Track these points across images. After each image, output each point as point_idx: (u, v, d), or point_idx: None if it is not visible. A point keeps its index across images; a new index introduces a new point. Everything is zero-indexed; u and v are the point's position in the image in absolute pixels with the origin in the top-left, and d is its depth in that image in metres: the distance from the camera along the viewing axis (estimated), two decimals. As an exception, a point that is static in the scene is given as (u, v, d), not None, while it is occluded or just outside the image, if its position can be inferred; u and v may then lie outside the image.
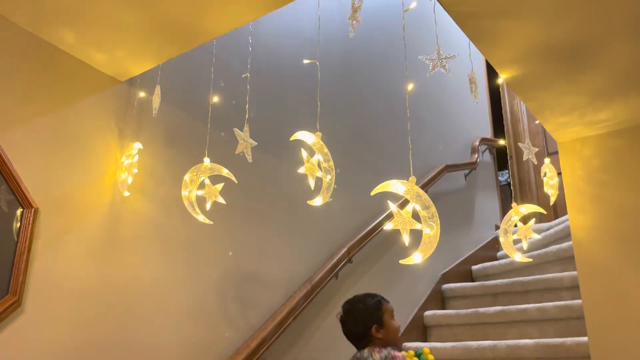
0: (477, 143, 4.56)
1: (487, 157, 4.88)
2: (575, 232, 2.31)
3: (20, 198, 1.59)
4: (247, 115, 1.66)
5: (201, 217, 1.68)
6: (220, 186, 1.67)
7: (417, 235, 1.31)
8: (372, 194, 1.24)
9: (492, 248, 4.52)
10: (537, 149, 2.12)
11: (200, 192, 1.66)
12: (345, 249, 2.89)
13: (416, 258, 1.25)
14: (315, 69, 3.03)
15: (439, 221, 1.26)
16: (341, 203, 3.04)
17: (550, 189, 2.27)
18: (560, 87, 1.99)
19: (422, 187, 3.70)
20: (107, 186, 1.86)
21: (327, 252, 2.88)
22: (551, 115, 2.21)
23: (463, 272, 4.09)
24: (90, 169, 1.83)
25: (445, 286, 3.80)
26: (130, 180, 1.85)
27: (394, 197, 1.35)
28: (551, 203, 2.31)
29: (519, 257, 1.86)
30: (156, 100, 1.85)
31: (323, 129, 2.88)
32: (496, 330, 3.24)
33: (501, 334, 3.20)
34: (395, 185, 1.26)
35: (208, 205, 1.66)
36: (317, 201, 1.50)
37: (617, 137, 2.30)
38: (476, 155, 4.45)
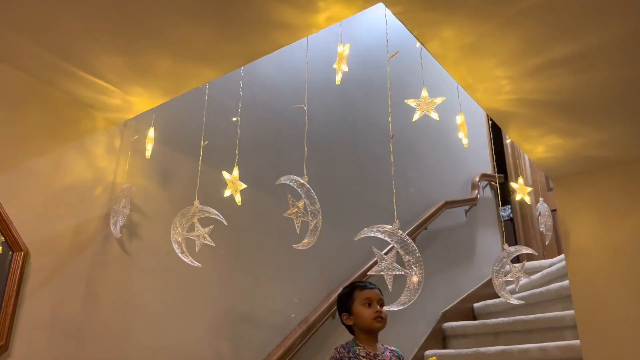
0: (478, 179, 4.56)
1: (487, 193, 4.87)
2: (572, 269, 2.29)
3: (10, 241, 1.60)
4: (236, 158, 1.68)
5: (189, 260, 1.68)
6: (209, 228, 1.68)
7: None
8: (355, 239, 1.24)
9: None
10: (530, 189, 2.12)
11: (189, 235, 1.66)
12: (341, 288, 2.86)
13: (399, 305, 1.24)
14: (313, 110, 3.07)
15: (423, 266, 1.26)
16: (339, 242, 3.03)
17: (544, 228, 2.26)
18: (538, 119, 1.99)
19: (421, 224, 3.70)
20: (99, 227, 1.87)
21: (324, 292, 2.86)
22: (536, 145, 2.20)
23: (464, 310, 4.04)
24: (82, 210, 1.84)
25: (446, 325, 3.75)
26: (121, 221, 1.86)
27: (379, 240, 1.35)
28: (546, 242, 2.30)
29: (513, 300, 1.85)
30: (149, 143, 1.87)
31: (320, 166, 2.89)
32: (498, 370, 3.18)
33: (502, 374, 3.14)
34: (379, 230, 1.26)
35: (197, 247, 1.66)
36: (303, 244, 1.50)
37: (610, 174, 2.30)
38: (476, 191, 4.44)
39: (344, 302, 2.05)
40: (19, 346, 1.59)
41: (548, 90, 1.72)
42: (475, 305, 4.12)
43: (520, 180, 2.23)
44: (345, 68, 1.45)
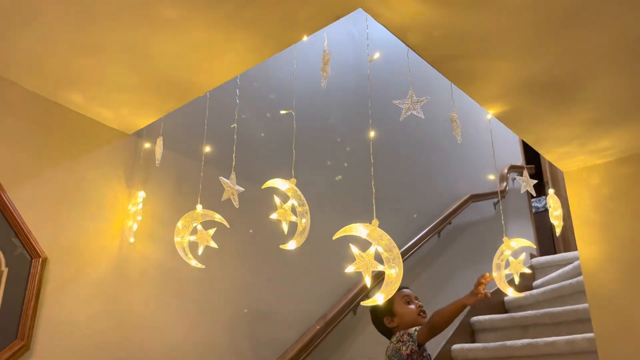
0: (506, 171, 4.51)
1: (518, 184, 4.80)
2: (585, 263, 2.27)
3: (28, 249, 1.73)
4: (233, 164, 1.75)
5: (193, 262, 1.77)
6: (212, 231, 1.76)
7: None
8: (334, 237, 1.29)
9: (526, 277, 4.41)
10: (535, 181, 2.12)
11: (192, 238, 1.75)
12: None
13: (378, 299, 1.28)
14: (329, 110, 3.12)
15: (401, 263, 1.30)
16: (355, 239, 3.07)
17: (555, 220, 2.24)
18: (552, 119, 1.99)
19: (445, 219, 3.70)
20: (115, 233, 1.99)
21: (344, 288, 2.92)
22: (552, 147, 2.20)
23: (495, 304, 4.01)
24: (98, 218, 1.96)
25: (474, 318, 3.74)
26: (135, 227, 1.97)
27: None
28: (557, 234, 2.29)
29: (511, 292, 1.87)
30: (158, 151, 1.98)
31: (341, 161, 2.94)
32: (524, 364, 3.16)
33: (529, 368, 3.12)
34: (359, 229, 1.31)
35: (200, 250, 1.74)
36: (291, 245, 1.56)
37: (625, 164, 2.25)
38: (505, 184, 4.40)
39: (384, 306, 2.12)
40: (40, 346, 1.71)
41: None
42: (506, 298, 4.09)
43: (551, 190, 2.26)
44: (328, 71, 1.50)
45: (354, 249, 1.28)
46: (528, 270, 1.85)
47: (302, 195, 1.57)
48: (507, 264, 1.87)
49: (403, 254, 3.28)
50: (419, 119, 1.72)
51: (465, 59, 1.68)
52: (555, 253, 5.05)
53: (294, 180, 1.58)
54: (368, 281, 1.28)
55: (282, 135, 2.67)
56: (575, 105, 1.88)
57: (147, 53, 1.68)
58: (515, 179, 4.83)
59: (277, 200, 1.58)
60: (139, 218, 1.97)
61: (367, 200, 3.28)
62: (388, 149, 3.57)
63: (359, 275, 3.02)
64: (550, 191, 2.29)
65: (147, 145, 2.14)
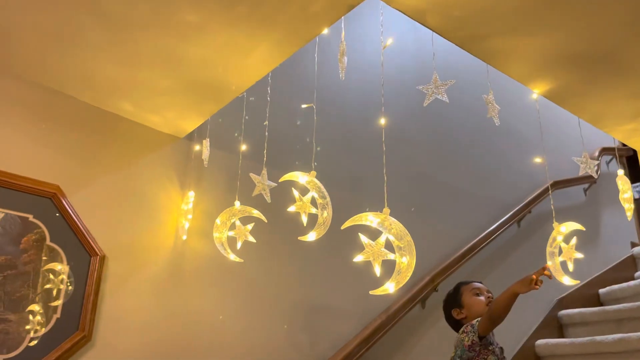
0: (597, 154, 4.19)
1: (614, 168, 4.44)
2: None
3: (87, 248, 1.89)
4: (264, 159, 1.79)
5: (232, 256, 1.83)
6: (250, 226, 1.81)
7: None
8: (342, 227, 1.29)
9: (626, 268, 4.07)
10: (597, 162, 1.96)
11: (231, 233, 1.81)
12: (428, 278, 2.84)
13: (389, 288, 1.26)
14: (390, 104, 3.08)
15: (414, 251, 1.26)
16: (427, 231, 3.01)
17: (625, 203, 2.06)
18: (608, 94, 1.83)
19: (523, 208, 3.51)
20: (169, 232, 2.11)
21: (410, 281, 2.86)
22: (615, 124, 2.03)
23: (588, 297, 3.73)
24: (153, 218, 2.09)
25: (562, 312, 3.51)
26: (187, 225, 2.07)
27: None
28: (629, 218, 2.10)
29: (567, 281, 1.75)
30: (205, 152, 2.06)
31: (403, 160, 2.89)
32: (616, 361, 2.92)
33: (621, 365, 2.88)
34: (369, 218, 1.29)
35: (239, 245, 1.80)
36: (311, 236, 1.56)
37: None
38: (596, 168, 4.08)
39: (452, 299, 2.13)
40: (101, 337, 1.86)
41: None
42: (601, 291, 3.80)
43: (620, 171, 2.09)
44: (345, 62, 1.49)
45: (363, 238, 1.26)
46: (580, 255, 1.71)
47: (322, 187, 1.57)
48: (560, 251, 1.75)
49: (477, 245, 3.16)
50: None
51: (493, 38, 1.60)
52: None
53: (313, 173, 1.59)
54: (378, 270, 1.26)
55: (331, 130, 2.68)
56: (629, 77, 1.72)
57: (179, 58, 1.77)
58: (610, 161, 4.48)
59: (295, 193, 1.60)
60: (190, 217, 2.07)
61: (430, 190, 3.20)
62: (461, 137, 3.46)
63: (426, 269, 2.95)
64: (619, 172, 2.11)
65: (197, 147, 2.24)
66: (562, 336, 3.49)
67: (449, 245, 3.09)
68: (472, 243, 3.11)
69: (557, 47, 1.60)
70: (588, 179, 4.01)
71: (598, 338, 3.02)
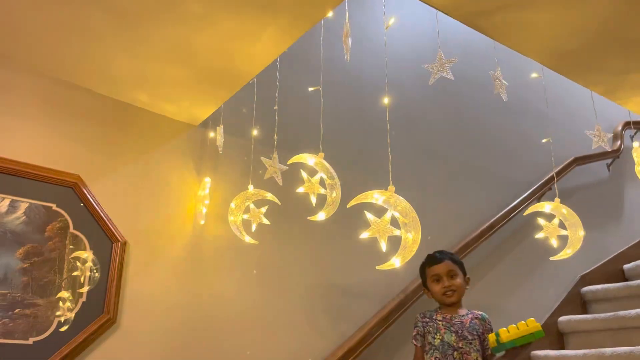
0: (620, 128, 4.11)
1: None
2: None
3: (109, 234, 1.96)
4: (275, 143, 1.83)
5: (247, 238, 1.87)
6: (264, 209, 1.86)
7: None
8: (348, 206, 1.32)
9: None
10: (609, 135, 1.95)
11: (246, 216, 1.86)
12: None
13: (395, 262, 1.29)
14: (406, 84, 3.08)
15: (419, 227, 1.29)
16: (445, 210, 3.02)
17: (641, 176, 2.04)
18: (619, 66, 1.81)
19: (545, 184, 3.48)
20: (187, 217, 2.17)
21: (429, 261, 2.88)
22: (628, 95, 2.00)
23: (612, 272, 3.69)
24: (171, 204, 2.15)
25: (586, 289, 3.48)
26: (204, 210, 2.13)
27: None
28: (645, 191, 2.07)
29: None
30: (219, 138, 2.11)
31: (420, 141, 2.90)
32: (640, 335, 2.89)
33: (645, 339, 2.85)
34: (374, 196, 1.32)
35: (253, 227, 1.85)
36: (320, 216, 1.60)
37: None
38: (619, 142, 4.01)
39: (422, 279, 2.13)
40: (125, 319, 1.94)
41: None
42: (626, 266, 3.75)
43: (636, 143, 2.08)
44: (349, 43, 1.51)
45: (369, 215, 1.29)
46: (565, 233, 1.72)
47: (330, 168, 1.60)
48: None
49: (496, 222, 3.15)
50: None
51: (498, 14, 1.59)
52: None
53: (321, 154, 1.62)
54: (384, 246, 1.28)
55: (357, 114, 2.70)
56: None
57: (190, 47, 1.81)
58: (635, 134, 4.39)
59: (303, 174, 1.63)
60: (207, 202, 2.12)
61: (454, 168, 3.20)
62: (481, 116, 3.44)
63: (444, 247, 2.94)
64: (635, 144, 2.08)
65: (212, 134, 2.29)
66: (586, 313, 3.46)
67: (468, 223, 3.09)
68: (491, 221, 3.11)
69: (562, 21, 1.59)
70: (612, 153, 3.95)
71: (621, 313, 3.00)
